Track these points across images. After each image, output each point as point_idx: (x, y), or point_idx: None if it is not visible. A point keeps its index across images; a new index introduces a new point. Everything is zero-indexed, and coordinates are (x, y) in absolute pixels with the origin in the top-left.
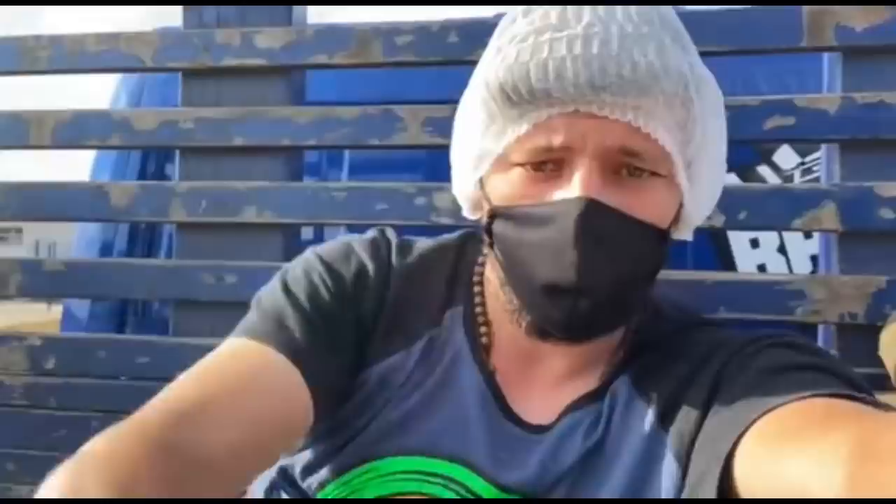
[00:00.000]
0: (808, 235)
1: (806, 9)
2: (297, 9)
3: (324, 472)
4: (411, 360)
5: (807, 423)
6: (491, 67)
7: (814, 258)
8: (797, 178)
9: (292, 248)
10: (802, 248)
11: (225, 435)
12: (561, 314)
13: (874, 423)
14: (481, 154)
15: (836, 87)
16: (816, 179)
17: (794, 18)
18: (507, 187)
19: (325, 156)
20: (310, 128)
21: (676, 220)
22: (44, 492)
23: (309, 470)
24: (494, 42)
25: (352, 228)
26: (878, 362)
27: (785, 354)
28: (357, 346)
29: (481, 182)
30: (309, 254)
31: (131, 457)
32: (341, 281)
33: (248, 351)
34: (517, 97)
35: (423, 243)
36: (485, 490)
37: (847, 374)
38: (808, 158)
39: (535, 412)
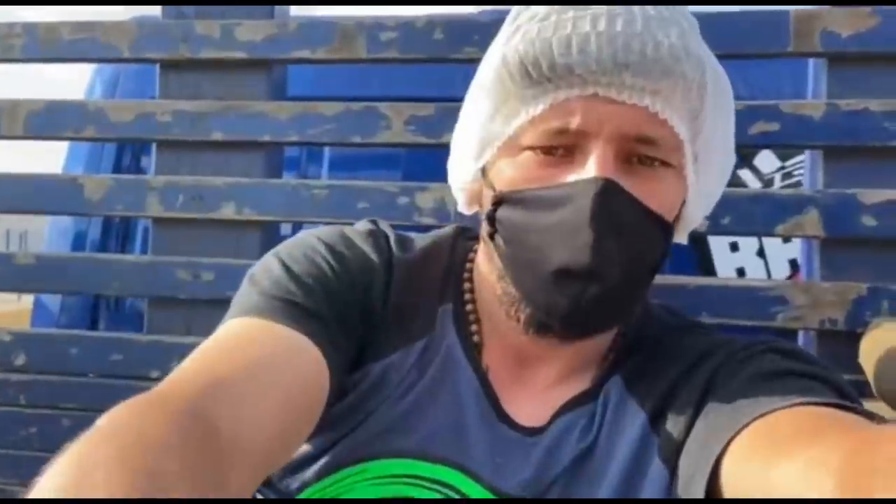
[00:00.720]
0: (787, 240)
1: (793, 13)
2: (278, 9)
3: (309, 473)
4: (410, 359)
5: (797, 431)
6: (510, 44)
7: (793, 262)
8: (777, 183)
9: (271, 245)
10: (782, 253)
11: (255, 411)
12: (567, 301)
13: (866, 435)
14: (487, 139)
15: (820, 93)
16: (797, 184)
17: (781, 23)
18: (515, 171)
19: (305, 150)
20: (290, 123)
21: (677, 218)
22: (48, 473)
23: (290, 470)
24: (509, 25)
25: None
26: (858, 369)
27: (777, 361)
28: (362, 336)
29: (483, 171)
30: (304, 236)
31: (153, 431)
32: (348, 265)
33: (263, 328)
34: (537, 73)
35: (419, 237)
36: (481, 495)
37: (838, 383)
38: (788, 163)
39: (527, 414)
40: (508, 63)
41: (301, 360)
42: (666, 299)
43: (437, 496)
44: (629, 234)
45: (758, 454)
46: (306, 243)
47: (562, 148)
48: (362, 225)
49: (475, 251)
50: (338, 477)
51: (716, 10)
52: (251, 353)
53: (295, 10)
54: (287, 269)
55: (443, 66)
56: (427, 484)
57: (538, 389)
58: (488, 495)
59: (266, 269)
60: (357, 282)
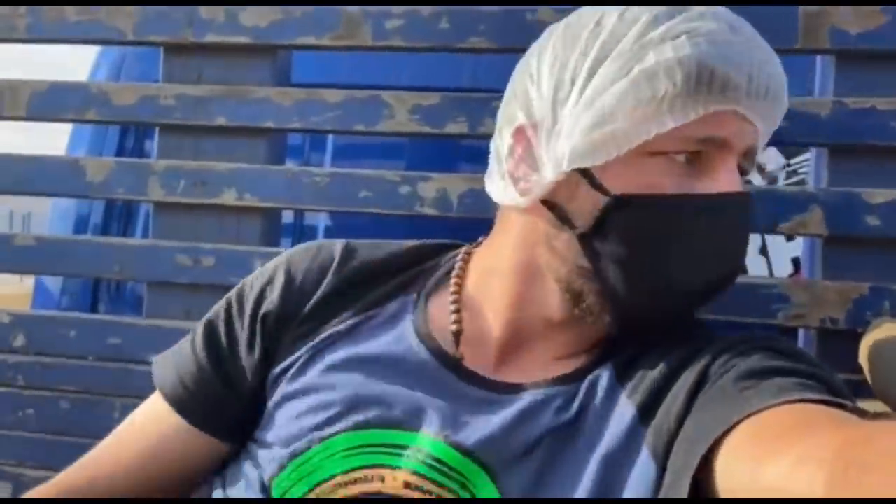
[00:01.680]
0: (790, 238)
1: (801, 10)
2: None
3: (270, 468)
4: (353, 345)
5: (788, 427)
6: (679, 49)
7: (795, 261)
8: (782, 181)
9: (272, 232)
10: (784, 251)
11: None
12: (679, 306)
13: (857, 430)
14: (608, 139)
15: (827, 90)
16: (801, 182)
17: (790, 19)
18: (645, 176)
19: (309, 138)
20: (294, 110)
21: None
22: None
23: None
24: (649, 29)
25: (333, 215)
26: (858, 369)
27: (771, 358)
28: (266, 362)
29: (583, 171)
30: (247, 278)
31: None
32: (249, 298)
33: (153, 417)
34: (707, 84)
35: (386, 246)
36: (445, 453)
37: (830, 381)
38: (793, 161)
39: (501, 375)
40: (684, 65)
41: (177, 449)
42: None
43: (405, 462)
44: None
45: (748, 451)
46: (236, 290)
47: (688, 155)
48: (328, 242)
49: (469, 252)
50: (301, 460)
51: (727, 7)
52: (135, 453)
53: None
54: (204, 326)
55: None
56: (393, 450)
57: (524, 367)
58: (451, 451)
59: (200, 324)
60: (254, 326)
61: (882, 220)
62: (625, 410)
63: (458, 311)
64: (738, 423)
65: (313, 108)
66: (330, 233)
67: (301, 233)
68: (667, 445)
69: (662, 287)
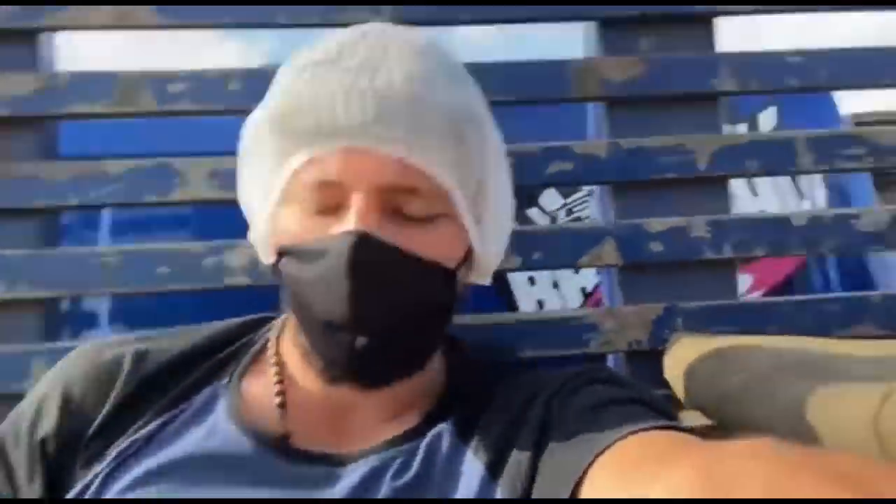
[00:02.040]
0: (576, 270)
1: (571, 62)
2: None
3: None
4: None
5: (647, 457)
6: (270, 100)
7: (583, 290)
8: (562, 218)
9: (54, 328)
10: (573, 282)
11: None
12: (341, 353)
13: (707, 454)
14: (266, 191)
15: (602, 133)
16: (578, 218)
17: (562, 71)
18: (289, 224)
19: (78, 217)
20: (69, 186)
21: (469, 262)
22: None
23: None
24: (278, 75)
25: (125, 298)
26: (664, 384)
27: (603, 390)
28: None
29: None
30: (18, 405)
31: None
32: (23, 424)
33: None
34: (289, 130)
35: (188, 333)
36: None
37: (656, 403)
38: (569, 199)
39: (333, 448)
40: (268, 119)
41: None
42: (488, 336)
43: None
44: (394, 283)
45: (614, 485)
46: (9, 420)
47: (328, 199)
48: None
49: (287, 318)
50: None
51: (504, 61)
52: None
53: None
54: None
55: None
56: None
57: (356, 433)
58: None
59: None
60: (36, 433)
61: (664, 245)
62: (472, 469)
63: (280, 381)
64: (594, 459)
65: (92, 183)
66: (115, 318)
67: (78, 322)
68: (524, 497)
69: (313, 332)
